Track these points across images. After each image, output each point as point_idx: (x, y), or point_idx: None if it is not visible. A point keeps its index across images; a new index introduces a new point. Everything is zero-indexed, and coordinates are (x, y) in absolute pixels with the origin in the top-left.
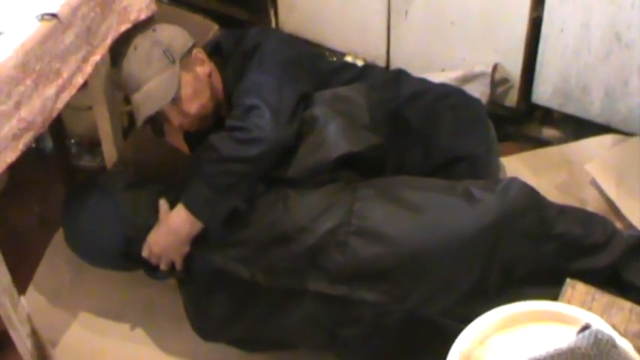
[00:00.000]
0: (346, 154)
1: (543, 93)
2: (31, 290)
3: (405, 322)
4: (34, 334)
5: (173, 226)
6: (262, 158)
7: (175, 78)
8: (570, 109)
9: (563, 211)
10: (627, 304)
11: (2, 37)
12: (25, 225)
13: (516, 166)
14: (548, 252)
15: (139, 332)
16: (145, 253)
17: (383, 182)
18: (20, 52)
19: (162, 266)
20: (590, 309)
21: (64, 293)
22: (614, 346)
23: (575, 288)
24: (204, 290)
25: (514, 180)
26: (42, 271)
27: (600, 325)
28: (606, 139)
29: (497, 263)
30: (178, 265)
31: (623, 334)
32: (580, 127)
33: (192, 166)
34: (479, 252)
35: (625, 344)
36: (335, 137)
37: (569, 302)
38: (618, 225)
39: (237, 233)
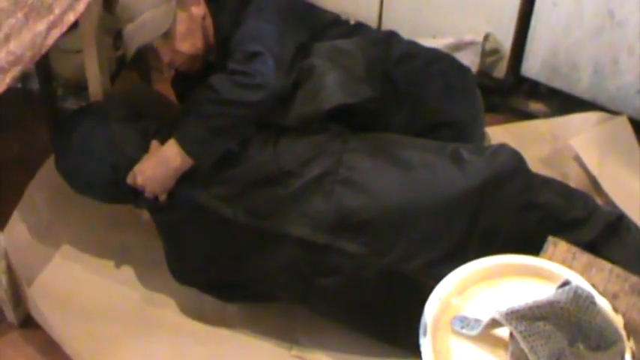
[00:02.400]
0: (342, 104)
1: (532, 66)
2: (8, 228)
3: (382, 277)
4: (10, 271)
5: (162, 159)
6: (262, 104)
7: (170, 13)
8: (558, 84)
9: (548, 181)
10: (607, 265)
11: None
12: (6, 162)
13: (501, 136)
14: (530, 221)
15: (114, 275)
16: (129, 180)
17: (373, 137)
18: None
19: (146, 196)
20: (570, 267)
21: (42, 233)
22: (593, 302)
23: (556, 246)
24: (184, 227)
25: (503, 146)
26: (20, 209)
27: (580, 282)
28: (592, 116)
29: (479, 226)
30: (162, 198)
31: (602, 294)
32: (566, 103)
33: (188, 106)
34: (462, 213)
35: (603, 303)
36: (332, 88)
37: (550, 259)
38: (599, 201)
39: (224, 172)
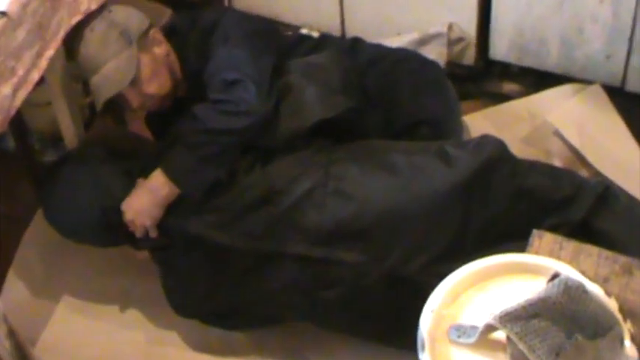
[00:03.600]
0: (322, 119)
1: (500, 48)
2: (5, 290)
3: (384, 282)
4: (12, 334)
5: (149, 189)
6: (249, 130)
7: (133, 59)
8: (528, 62)
9: (533, 165)
10: (595, 249)
11: None
12: None
13: (480, 123)
14: (522, 207)
15: (117, 320)
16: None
17: (357, 145)
18: None
19: (137, 234)
20: (558, 257)
21: (39, 290)
22: (585, 291)
23: (542, 238)
24: (181, 259)
25: (486, 137)
26: (15, 270)
27: (569, 272)
28: (566, 88)
29: (473, 220)
30: (152, 232)
31: (593, 279)
32: (539, 79)
33: (171, 138)
34: (455, 208)
35: (595, 289)
36: (311, 103)
37: (537, 253)
38: (585, 173)
39: (213, 200)
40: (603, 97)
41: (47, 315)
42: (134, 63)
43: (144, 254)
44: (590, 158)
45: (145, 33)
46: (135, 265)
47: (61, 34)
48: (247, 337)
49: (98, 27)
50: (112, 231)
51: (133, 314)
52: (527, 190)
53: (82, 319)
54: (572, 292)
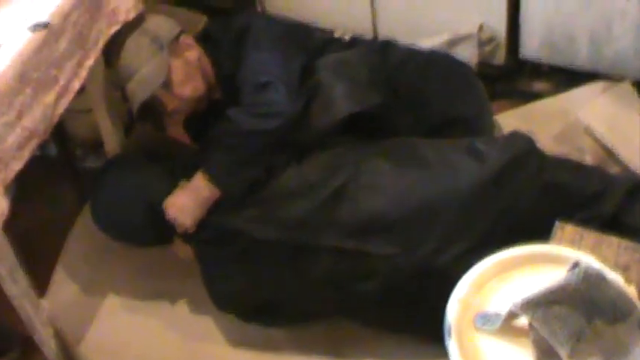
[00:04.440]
0: (352, 113)
1: (530, 47)
2: (51, 292)
3: (416, 274)
4: (58, 335)
5: (192, 190)
6: (281, 130)
7: (164, 63)
8: (558, 61)
9: (561, 161)
10: (615, 240)
11: (0, 49)
12: (37, 230)
13: (511, 122)
14: (551, 202)
15: (160, 321)
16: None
17: (389, 142)
18: (17, 63)
19: (178, 231)
20: (579, 247)
21: (84, 291)
22: (603, 278)
23: (563, 229)
24: (220, 254)
25: (515, 133)
26: (60, 272)
27: (589, 261)
28: (596, 86)
29: (503, 214)
30: (191, 230)
31: (613, 268)
32: (570, 77)
33: (210, 140)
34: (485, 202)
35: (614, 276)
36: (339, 99)
37: (559, 243)
38: (616, 169)
39: (251, 195)
40: (633, 94)
41: (92, 315)
42: (165, 67)
43: (186, 254)
44: (621, 154)
45: (176, 38)
46: (176, 266)
47: (100, 43)
48: (286, 334)
49: (131, 36)
50: (156, 226)
51: (176, 313)
52: (556, 185)
53: (126, 319)
54: (592, 280)
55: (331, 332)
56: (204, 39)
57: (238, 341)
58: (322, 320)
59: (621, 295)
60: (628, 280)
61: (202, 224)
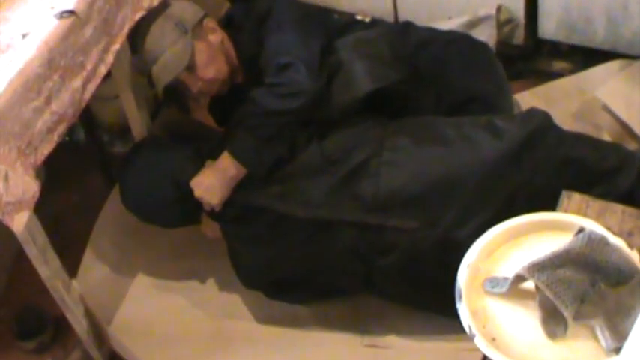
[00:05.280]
0: (373, 90)
1: (548, 27)
2: (81, 273)
3: (438, 247)
4: (89, 314)
5: (218, 170)
6: (302, 109)
7: (188, 47)
8: (576, 40)
9: (578, 136)
10: (619, 207)
11: (28, 37)
12: (66, 213)
13: (530, 100)
14: (569, 176)
15: (187, 299)
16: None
17: (410, 121)
18: (45, 50)
19: (205, 209)
20: (585, 215)
21: (113, 272)
22: (607, 243)
23: (570, 198)
24: (246, 231)
25: (532, 109)
26: (89, 254)
27: (594, 227)
28: (613, 64)
29: (521, 188)
30: (217, 209)
31: (617, 234)
32: (588, 56)
33: (235, 121)
34: (504, 177)
35: (618, 242)
36: (361, 76)
37: (565, 211)
38: (634, 146)
39: (275, 172)
40: None
41: (121, 295)
42: (189, 50)
43: (214, 232)
44: (638, 131)
45: (200, 22)
46: (203, 247)
47: (126, 29)
48: (310, 311)
49: (156, 21)
50: (184, 205)
51: (203, 292)
52: (572, 160)
53: (154, 298)
54: (595, 245)
55: (356, 309)
56: (227, 23)
57: (265, 318)
58: (347, 297)
59: (624, 259)
60: (631, 245)
61: (228, 203)
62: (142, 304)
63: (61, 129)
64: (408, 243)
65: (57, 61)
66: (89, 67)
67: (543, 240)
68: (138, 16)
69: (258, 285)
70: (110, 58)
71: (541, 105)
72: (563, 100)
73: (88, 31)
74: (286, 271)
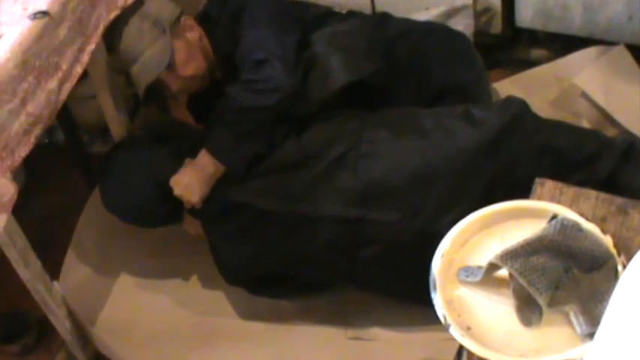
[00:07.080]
0: (349, 82)
1: (525, 16)
2: (63, 274)
3: (418, 239)
4: (72, 315)
5: (197, 168)
6: (279, 105)
7: (167, 46)
8: (553, 28)
9: (556, 124)
10: (593, 193)
11: (1, 39)
12: (48, 216)
13: (508, 89)
14: (547, 164)
15: (170, 297)
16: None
17: (388, 112)
18: (18, 51)
19: (186, 207)
20: (559, 202)
21: (95, 273)
22: (580, 230)
23: (543, 185)
24: (227, 228)
25: (510, 97)
26: (71, 255)
27: (567, 213)
28: (591, 51)
29: (500, 178)
30: (197, 206)
31: (591, 220)
32: (566, 44)
33: (212, 118)
34: (483, 166)
35: (591, 227)
36: (337, 69)
37: (539, 198)
38: (613, 132)
39: (254, 168)
40: (627, 57)
41: (104, 296)
42: (168, 49)
43: (197, 230)
44: (617, 117)
45: (177, 20)
46: (184, 245)
47: (101, 29)
48: (294, 305)
49: (133, 20)
50: (166, 206)
51: (186, 290)
52: (551, 147)
53: (137, 298)
54: (568, 231)
55: (340, 303)
56: (204, 18)
57: (248, 314)
58: (330, 291)
59: (597, 245)
60: (604, 231)
61: (208, 199)
62: (126, 304)
63: (38, 130)
64: (389, 235)
65: (31, 63)
66: (64, 67)
67: (517, 228)
68: (113, 15)
69: (240, 281)
70: (86, 58)
71: (520, 93)
72: (541, 88)
73: (63, 32)
74: (268, 266)
